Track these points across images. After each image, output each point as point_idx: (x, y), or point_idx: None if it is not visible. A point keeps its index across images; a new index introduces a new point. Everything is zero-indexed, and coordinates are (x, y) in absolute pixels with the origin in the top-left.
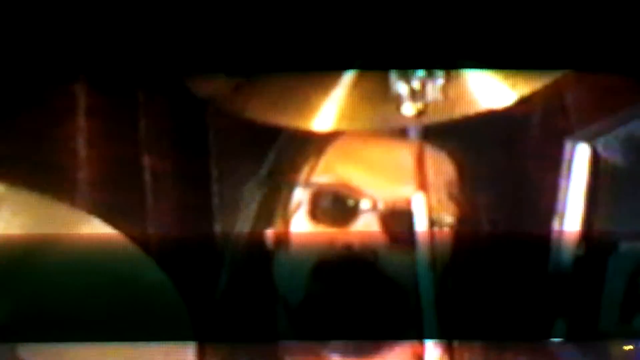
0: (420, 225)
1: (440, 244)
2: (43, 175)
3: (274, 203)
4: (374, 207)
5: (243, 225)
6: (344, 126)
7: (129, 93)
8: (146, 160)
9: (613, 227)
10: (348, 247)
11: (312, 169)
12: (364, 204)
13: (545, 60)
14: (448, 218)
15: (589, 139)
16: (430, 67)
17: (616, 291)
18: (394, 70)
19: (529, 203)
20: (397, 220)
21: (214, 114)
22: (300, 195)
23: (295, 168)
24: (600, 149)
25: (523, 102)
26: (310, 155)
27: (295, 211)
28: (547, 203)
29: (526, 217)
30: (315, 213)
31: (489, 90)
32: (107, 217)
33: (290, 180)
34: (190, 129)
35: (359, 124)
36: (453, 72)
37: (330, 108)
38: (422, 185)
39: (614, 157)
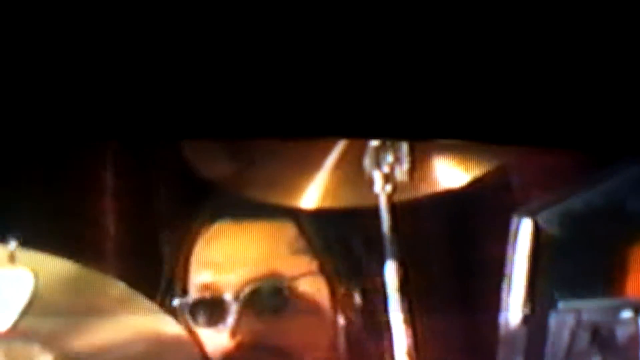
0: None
1: None
2: (77, 247)
3: None
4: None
5: None
6: (326, 204)
7: (146, 176)
8: (162, 235)
9: (553, 288)
10: None
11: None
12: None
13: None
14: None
15: (531, 214)
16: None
17: (559, 343)
18: (368, 157)
19: (482, 269)
20: None
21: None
22: None
23: None
24: (541, 222)
25: (475, 182)
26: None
27: None
28: (498, 270)
29: (480, 280)
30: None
31: (446, 173)
32: (131, 282)
33: None
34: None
35: (339, 202)
36: (417, 158)
37: (314, 189)
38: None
39: (553, 229)
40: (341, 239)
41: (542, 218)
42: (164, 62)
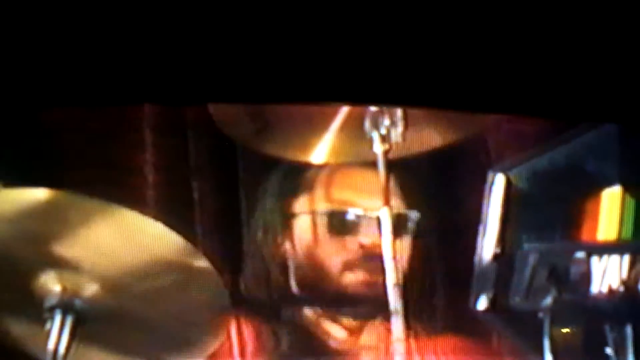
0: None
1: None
2: (123, 193)
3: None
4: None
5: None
6: (332, 160)
7: (182, 133)
8: (194, 183)
9: (520, 232)
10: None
11: (312, 198)
12: (364, 213)
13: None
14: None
15: (504, 170)
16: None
17: (522, 277)
18: (368, 120)
19: (464, 215)
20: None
21: (242, 150)
22: (308, 221)
23: (295, 198)
24: (512, 177)
25: (458, 143)
26: (305, 186)
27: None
28: (475, 216)
29: (461, 225)
30: (333, 228)
31: (434, 135)
32: (167, 222)
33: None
34: (225, 159)
35: (343, 158)
36: (410, 121)
37: (322, 147)
38: (387, 202)
39: (522, 183)
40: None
41: (513, 174)
42: (195, 42)
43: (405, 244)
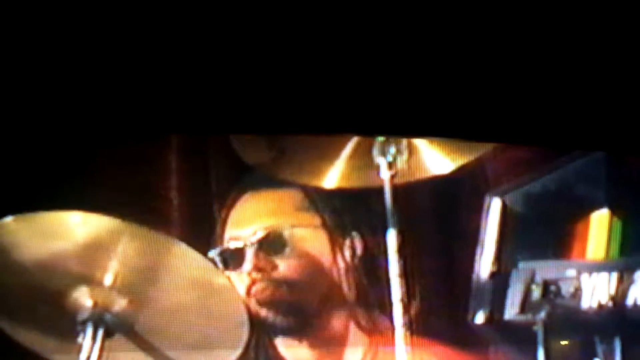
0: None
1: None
2: (151, 215)
3: None
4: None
5: None
6: (343, 185)
7: (204, 160)
8: (215, 205)
9: (515, 251)
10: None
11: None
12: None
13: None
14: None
15: (501, 195)
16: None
17: (517, 293)
18: (375, 148)
19: (462, 237)
20: None
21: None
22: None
23: None
24: (508, 201)
25: (458, 170)
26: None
27: None
28: (474, 236)
29: (460, 245)
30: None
31: (436, 162)
32: (191, 243)
33: None
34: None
35: (353, 184)
36: (414, 150)
37: (333, 173)
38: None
39: (517, 206)
40: (346, 206)
41: (509, 198)
42: (218, 74)
43: (408, 262)
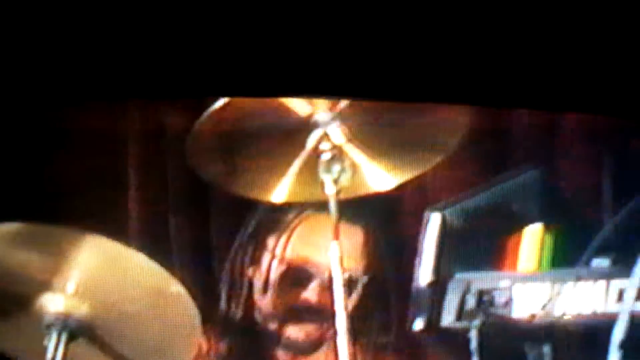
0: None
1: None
2: (110, 227)
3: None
4: (322, 274)
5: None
6: (291, 199)
7: (162, 174)
8: (171, 219)
9: (452, 263)
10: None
11: (283, 247)
12: (318, 273)
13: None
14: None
15: (440, 210)
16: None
17: (454, 302)
18: (321, 166)
19: (404, 249)
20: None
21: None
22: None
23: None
24: (447, 216)
25: (400, 186)
26: (280, 233)
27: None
28: (414, 249)
29: (402, 256)
30: (285, 280)
31: (379, 179)
32: (148, 253)
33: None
34: (199, 198)
35: (299, 199)
36: (357, 167)
37: (282, 188)
38: (337, 237)
39: (455, 221)
40: None
41: (447, 213)
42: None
43: (353, 280)
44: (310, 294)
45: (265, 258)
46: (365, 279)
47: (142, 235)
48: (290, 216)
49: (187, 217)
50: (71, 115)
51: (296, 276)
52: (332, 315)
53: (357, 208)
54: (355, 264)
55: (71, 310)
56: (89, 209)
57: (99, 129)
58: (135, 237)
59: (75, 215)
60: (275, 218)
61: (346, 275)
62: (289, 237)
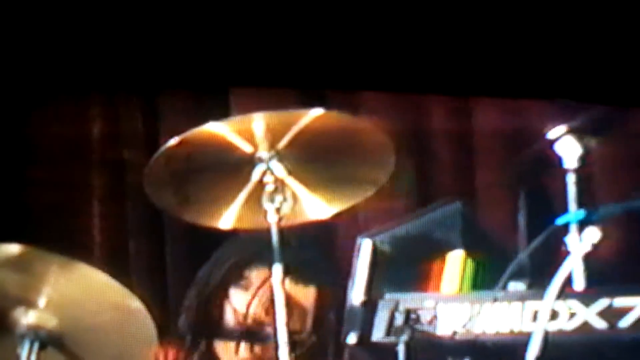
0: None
1: None
2: (76, 249)
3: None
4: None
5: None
6: (237, 226)
7: (121, 203)
8: (131, 242)
9: (382, 284)
10: None
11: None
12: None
13: None
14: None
15: (371, 237)
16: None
17: (383, 319)
18: (265, 196)
19: (338, 273)
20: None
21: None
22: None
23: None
24: (377, 242)
25: (335, 215)
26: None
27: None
28: (347, 273)
29: (336, 279)
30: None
31: (317, 209)
32: (110, 272)
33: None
34: (155, 224)
35: (245, 226)
36: (297, 198)
37: (229, 216)
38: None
39: (384, 247)
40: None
41: (377, 240)
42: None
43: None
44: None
45: (229, 312)
46: (312, 339)
47: (105, 257)
48: (254, 275)
49: (145, 241)
50: (43, 145)
51: (254, 335)
52: None
53: (298, 234)
54: (302, 325)
55: (42, 322)
56: (58, 234)
57: (65, 161)
58: (99, 259)
59: (46, 239)
60: (241, 274)
61: (295, 337)
62: (252, 297)
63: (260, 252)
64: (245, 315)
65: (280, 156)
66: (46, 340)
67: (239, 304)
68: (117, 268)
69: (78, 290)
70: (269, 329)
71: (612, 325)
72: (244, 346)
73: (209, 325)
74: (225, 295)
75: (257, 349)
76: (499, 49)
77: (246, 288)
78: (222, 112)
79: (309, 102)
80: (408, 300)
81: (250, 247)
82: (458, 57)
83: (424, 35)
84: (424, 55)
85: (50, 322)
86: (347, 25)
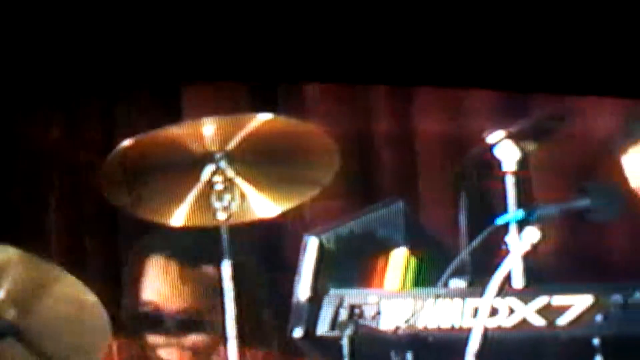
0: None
1: None
2: (36, 247)
3: None
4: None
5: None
6: (188, 224)
7: (79, 202)
8: (87, 239)
9: (327, 280)
10: None
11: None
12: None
13: None
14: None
15: (317, 235)
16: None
17: (328, 314)
18: (214, 195)
19: (284, 268)
20: None
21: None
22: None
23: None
24: (323, 240)
25: (281, 214)
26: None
27: None
28: (294, 269)
29: (281, 274)
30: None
31: (265, 207)
32: (67, 268)
33: None
34: (109, 221)
35: (195, 223)
36: (245, 196)
37: (180, 213)
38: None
39: (330, 245)
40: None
41: (323, 238)
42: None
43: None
44: None
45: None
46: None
47: (62, 254)
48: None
49: (100, 238)
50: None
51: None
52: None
53: (245, 231)
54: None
55: (1, 314)
56: (17, 230)
57: (25, 160)
58: (56, 254)
59: (5, 234)
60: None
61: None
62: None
63: (161, 245)
64: (145, 303)
65: (230, 157)
66: (5, 330)
67: (142, 293)
68: (73, 264)
69: (36, 284)
70: (170, 314)
71: (550, 323)
72: (168, 335)
73: (137, 316)
74: (138, 287)
75: (181, 336)
76: (445, 39)
77: (143, 277)
78: (174, 114)
79: (258, 104)
80: (352, 296)
81: (158, 241)
82: (403, 47)
83: (366, 26)
84: (368, 46)
85: (10, 313)
86: (297, 20)
